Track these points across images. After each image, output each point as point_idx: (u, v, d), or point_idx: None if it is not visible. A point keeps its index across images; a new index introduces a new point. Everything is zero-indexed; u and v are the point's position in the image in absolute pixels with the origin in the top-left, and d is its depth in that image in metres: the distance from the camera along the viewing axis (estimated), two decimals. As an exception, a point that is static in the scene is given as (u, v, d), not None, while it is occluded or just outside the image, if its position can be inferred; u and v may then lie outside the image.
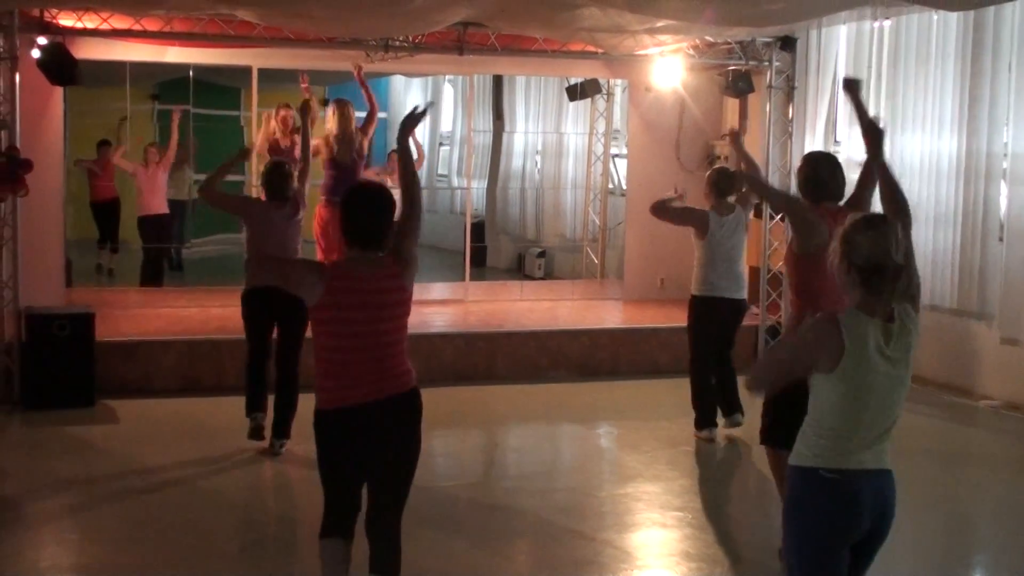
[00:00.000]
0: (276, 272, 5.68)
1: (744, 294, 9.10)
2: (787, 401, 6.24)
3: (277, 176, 8.47)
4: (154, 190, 14.64)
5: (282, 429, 8.48)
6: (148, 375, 10.40)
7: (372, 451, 4.97)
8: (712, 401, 9.12)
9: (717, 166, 9.74)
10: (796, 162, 12.15)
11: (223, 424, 9.23)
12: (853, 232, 3.98)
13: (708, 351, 9.11)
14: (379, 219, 5.00)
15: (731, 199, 8.93)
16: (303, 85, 12.22)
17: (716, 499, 7.86)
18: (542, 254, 17.01)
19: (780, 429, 6.21)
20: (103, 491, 7.74)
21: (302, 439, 8.51)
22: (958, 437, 9.69)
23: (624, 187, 14.76)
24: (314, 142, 10.66)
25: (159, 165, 14.64)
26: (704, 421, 9.10)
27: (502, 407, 10.45)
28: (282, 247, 8.29)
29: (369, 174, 14.85)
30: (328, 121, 11.62)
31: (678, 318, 11.68)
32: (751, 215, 9.49)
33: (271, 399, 8.57)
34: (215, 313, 11.71)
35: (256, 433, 8.51)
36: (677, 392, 9.97)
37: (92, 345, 9.92)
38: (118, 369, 10.25)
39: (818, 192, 6.37)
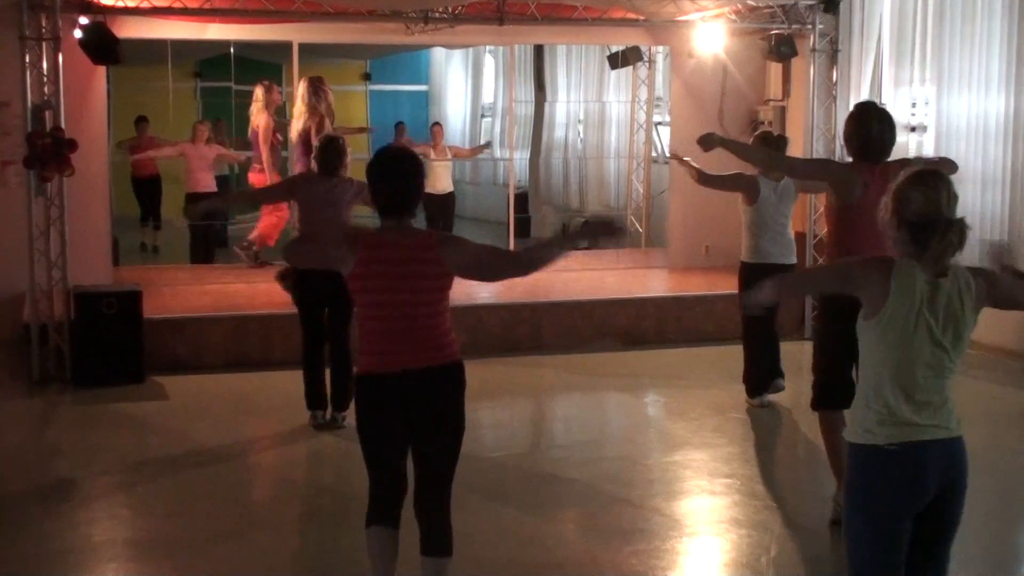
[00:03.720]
0: (309, 254, 5.48)
1: (794, 259, 8.97)
2: (839, 364, 6.25)
3: (330, 151, 8.40)
4: (204, 167, 14.63)
5: (340, 402, 8.52)
6: (197, 351, 10.47)
7: (407, 420, 4.85)
8: (764, 368, 9.06)
9: (761, 131, 9.63)
10: (841, 126, 12.14)
11: (272, 399, 9.31)
12: (905, 187, 3.91)
13: (758, 318, 9.03)
14: (404, 185, 4.83)
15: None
16: None
17: (765, 465, 7.82)
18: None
19: (833, 392, 6.20)
20: (154, 466, 7.81)
21: (352, 413, 8.59)
22: (1011, 400, 9.59)
23: (667, 155, 14.68)
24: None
25: (208, 143, 14.65)
26: (757, 388, 9.06)
27: (548, 377, 10.45)
28: (331, 223, 8.22)
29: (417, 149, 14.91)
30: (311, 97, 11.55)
31: (724, 285, 11.66)
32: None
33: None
34: (262, 288, 11.74)
35: (319, 427, 8.53)
36: (723, 359, 9.94)
37: (140, 322, 9.99)
38: (167, 346, 10.34)
39: (864, 150, 6.26)
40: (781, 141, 8.97)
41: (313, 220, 8.32)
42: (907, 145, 11.63)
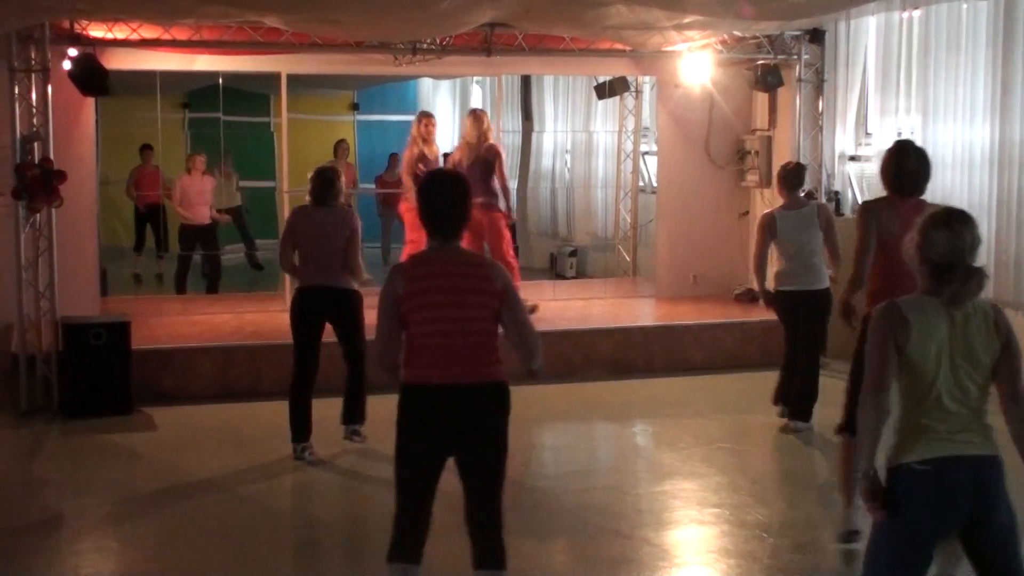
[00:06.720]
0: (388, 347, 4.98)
1: (825, 284, 8.95)
2: None
3: (320, 182, 8.43)
4: (201, 200, 14.62)
5: (359, 415, 8.63)
6: (185, 382, 10.45)
7: (452, 433, 4.89)
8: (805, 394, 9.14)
9: (784, 162, 9.76)
10: (827, 156, 12.24)
11: (260, 430, 9.28)
12: (930, 226, 4.03)
13: (792, 343, 9.14)
14: (455, 208, 4.97)
15: (802, 192, 9.05)
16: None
17: (753, 495, 7.81)
18: (574, 253, 16.96)
19: None
20: (143, 498, 7.79)
21: (340, 446, 8.58)
22: (998, 427, 9.59)
23: (655, 184, 14.73)
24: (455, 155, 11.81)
25: (204, 175, 14.62)
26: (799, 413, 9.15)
27: (537, 407, 10.41)
28: (330, 252, 8.25)
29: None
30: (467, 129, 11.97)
31: (712, 314, 11.73)
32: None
33: (318, 403, 8.60)
34: (249, 319, 11.77)
35: (301, 459, 8.46)
36: (711, 389, 9.94)
37: (129, 353, 9.97)
38: (155, 377, 10.31)
39: (899, 183, 6.43)
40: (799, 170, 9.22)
41: (309, 250, 8.34)
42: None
